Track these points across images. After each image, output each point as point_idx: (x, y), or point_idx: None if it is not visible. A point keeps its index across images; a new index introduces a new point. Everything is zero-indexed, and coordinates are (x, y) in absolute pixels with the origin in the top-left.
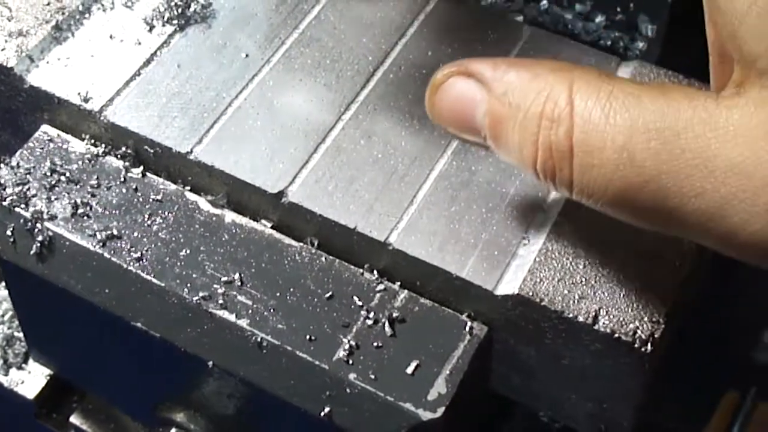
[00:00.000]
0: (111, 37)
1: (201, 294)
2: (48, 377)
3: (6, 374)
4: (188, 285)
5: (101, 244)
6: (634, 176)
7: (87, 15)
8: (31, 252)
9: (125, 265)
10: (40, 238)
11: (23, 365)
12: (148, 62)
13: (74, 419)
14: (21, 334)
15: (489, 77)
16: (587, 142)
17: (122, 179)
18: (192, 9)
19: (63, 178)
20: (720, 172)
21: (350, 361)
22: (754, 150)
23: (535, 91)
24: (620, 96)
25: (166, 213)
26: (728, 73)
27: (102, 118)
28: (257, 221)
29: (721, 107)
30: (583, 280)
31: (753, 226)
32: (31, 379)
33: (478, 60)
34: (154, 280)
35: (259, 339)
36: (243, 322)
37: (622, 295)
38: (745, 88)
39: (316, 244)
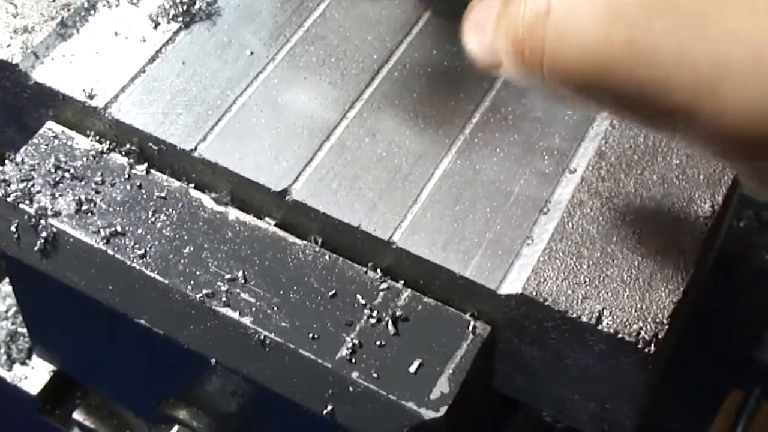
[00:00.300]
0: (116, 34)
1: (204, 291)
2: (51, 373)
3: (9, 370)
4: (192, 282)
5: (105, 240)
6: (620, 37)
7: (92, 12)
8: (35, 248)
9: (129, 262)
10: (44, 234)
11: (27, 361)
12: (152, 59)
13: (77, 415)
14: (24, 330)
15: None
16: (567, 2)
17: (126, 176)
18: (197, 6)
19: (67, 174)
20: (717, 33)
21: (353, 360)
22: (755, 9)
23: None
24: None
25: (170, 210)
26: None
27: (106, 114)
28: (261, 219)
29: None
30: (587, 280)
31: (747, 92)
32: (34, 375)
33: None
34: (158, 277)
35: (262, 337)
36: (246, 320)
37: (625, 296)
38: None
39: (319, 242)
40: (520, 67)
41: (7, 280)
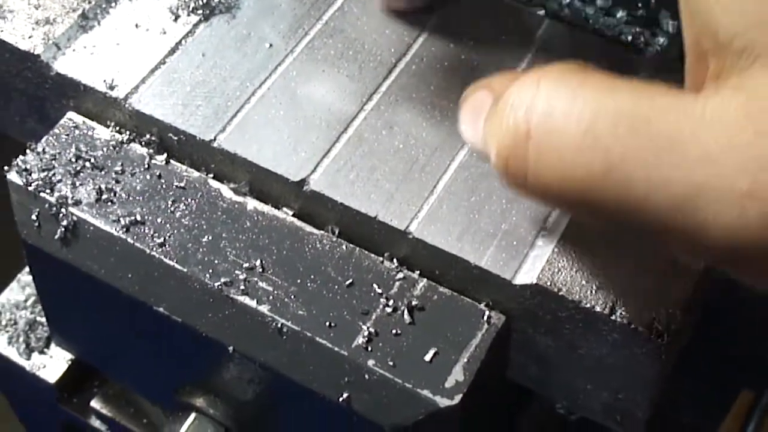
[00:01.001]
0: (137, 26)
1: (223, 280)
2: (69, 362)
3: (28, 358)
4: (210, 271)
5: (125, 229)
6: (597, 162)
7: (113, 4)
8: (56, 236)
9: (148, 251)
10: (64, 222)
11: (45, 350)
12: (173, 51)
13: (95, 403)
14: (43, 319)
15: (497, 86)
16: (547, 123)
17: (146, 166)
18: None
19: (88, 164)
20: (692, 159)
21: (369, 348)
22: (731, 135)
23: (511, 81)
24: (592, 82)
25: (189, 200)
26: (704, 72)
27: (127, 105)
28: (279, 209)
29: (698, 98)
30: (601, 270)
31: (725, 217)
32: (52, 364)
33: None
34: (177, 266)
35: (279, 325)
36: (264, 308)
37: (639, 286)
38: (722, 78)
39: (336, 232)
40: (505, 176)
41: (26, 269)
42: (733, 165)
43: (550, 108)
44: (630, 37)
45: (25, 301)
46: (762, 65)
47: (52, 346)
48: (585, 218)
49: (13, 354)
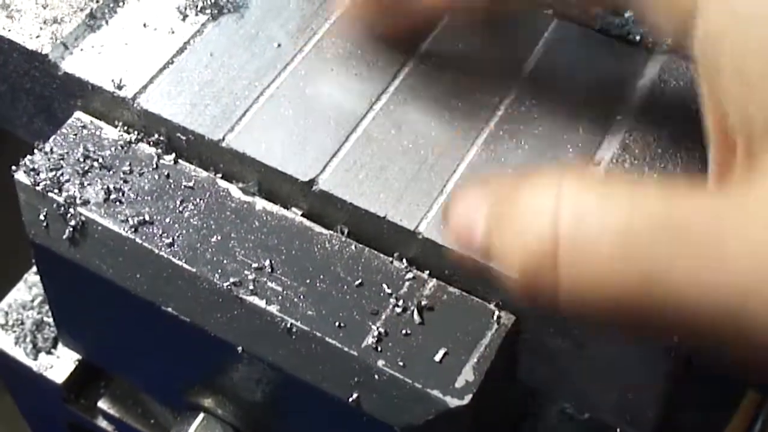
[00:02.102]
0: (144, 25)
1: (231, 280)
2: (76, 362)
3: (35, 359)
4: (219, 271)
5: (133, 229)
6: (637, 271)
7: (121, 3)
8: (64, 236)
9: (157, 251)
10: (72, 222)
11: (52, 350)
12: (181, 51)
13: (102, 404)
14: (50, 319)
15: (493, 187)
16: (576, 231)
17: (154, 166)
18: None
19: (96, 164)
20: (737, 261)
21: (379, 348)
22: None
23: (524, 187)
24: (617, 182)
25: (198, 200)
26: (731, 159)
27: (135, 105)
28: (288, 209)
29: (732, 192)
30: None
31: None
32: (59, 364)
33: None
34: (186, 266)
35: (288, 325)
36: (273, 308)
37: None
38: (755, 164)
39: (346, 232)
40: (528, 292)
41: (33, 269)
42: None
43: (579, 214)
44: (638, 37)
45: (32, 301)
46: None
47: (59, 346)
48: (624, 331)
49: (20, 354)
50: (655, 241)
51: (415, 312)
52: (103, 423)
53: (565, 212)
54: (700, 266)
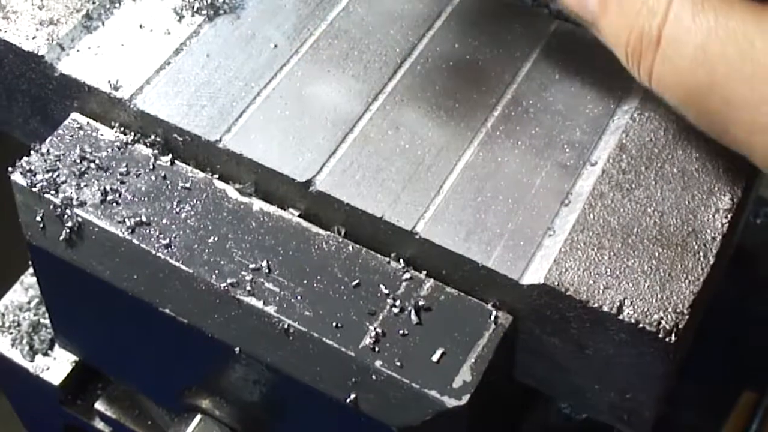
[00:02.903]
0: (141, 26)
1: (229, 281)
2: (73, 364)
3: (32, 360)
4: (216, 272)
5: (130, 230)
6: (704, 76)
7: (117, 4)
8: (60, 238)
9: (154, 252)
10: (69, 224)
11: (49, 352)
12: (177, 52)
13: (99, 405)
14: (47, 321)
15: None
16: (673, 36)
17: (151, 167)
18: (221, 0)
19: (92, 165)
20: None
21: (376, 349)
22: None
23: None
24: (715, 1)
25: (195, 200)
26: None
27: (132, 106)
28: (285, 209)
29: None
30: (608, 270)
31: None
32: (56, 366)
33: None
34: (183, 267)
35: (286, 325)
36: (270, 309)
37: (646, 286)
38: None
39: (343, 232)
40: (631, 67)
41: (29, 271)
42: None
43: (677, 21)
44: None
45: (29, 303)
46: None
47: (56, 348)
48: (695, 122)
49: (16, 356)
50: (724, 55)
51: (413, 312)
52: (99, 425)
53: (669, 21)
54: (753, 82)
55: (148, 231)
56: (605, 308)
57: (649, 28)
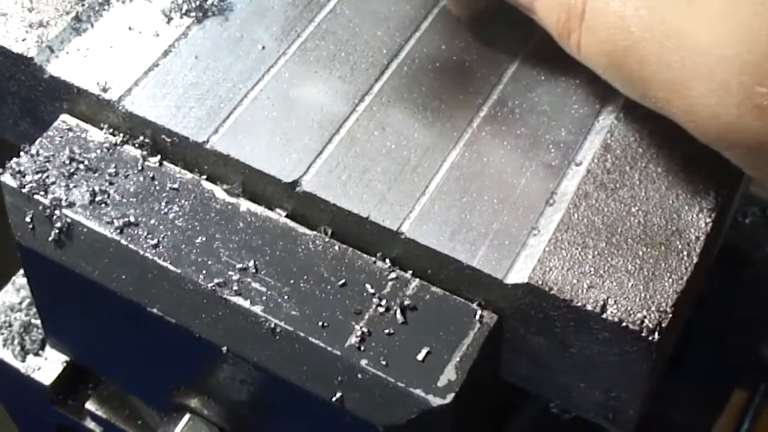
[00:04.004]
0: (130, 28)
1: (216, 280)
2: (64, 364)
3: (23, 360)
4: (204, 272)
5: (119, 231)
6: (621, 41)
7: (106, 6)
8: (50, 238)
9: (142, 252)
10: (58, 224)
11: (40, 352)
12: (166, 53)
13: (90, 405)
14: (38, 321)
15: None
16: (595, 7)
17: (140, 168)
18: (209, 2)
19: (81, 166)
20: (687, 48)
21: (362, 348)
22: (714, 30)
23: None
24: None
25: (183, 201)
26: None
27: (120, 107)
28: (272, 210)
29: None
30: (592, 269)
31: (709, 101)
32: (47, 366)
33: None
34: (171, 267)
35: (272, 325)
36: (257, 309)
37: (630, 285)
38: None
39: (329, 232)
40: (560, 42)
41: (21, 272)
42: (715, 56)
43: None
44: None
45: (20, 303)
46: None
47: (47, 348)
48: (622, 89)
49: (8, 356)
50: (638, 19)
51: (398, 311)
52: (90, 424)
53: None
54: (662, 46)
55: (136, 231)
56: (589, 307)
57: (575, 3)
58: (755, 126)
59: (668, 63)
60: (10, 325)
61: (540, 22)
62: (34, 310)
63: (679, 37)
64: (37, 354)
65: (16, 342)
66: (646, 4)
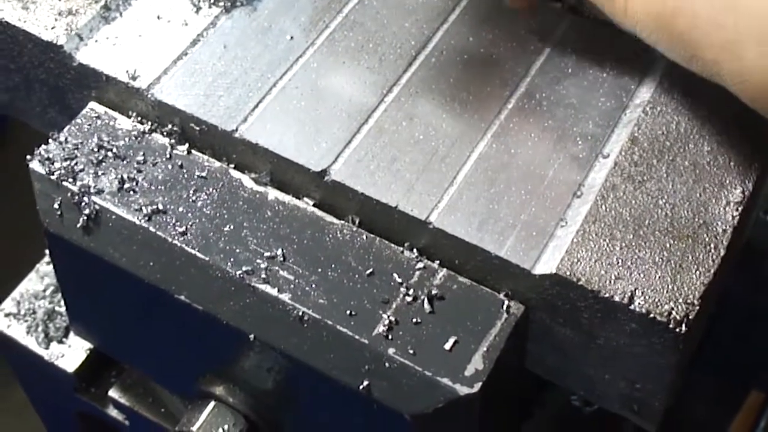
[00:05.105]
0: (158, 17)
1: (244, 268)
2: (87, 351)
3: (47, 348)
4: (231, 259)
5: (147, 218)
6: (672, 2)
7: None
8: (78, 225)
9: (170, 239)
10: (86, 211)
11: (64, 339)
12: (194, 43)
13: (113, 393)
14: (62, 309)
15: None
16: None
17: (168, 156)
18: None
19: (110, 153)
20: (743, 9)
21: (389, 336)
22: None
23: None
24: None
25: (211, 189)
26: None
27: (149, 95)
28: (300, 199)
29: None
30: (620, 261)
31: (761, 63)
32: (71, 353)
33: None
34: (199, 254)
35: (300, 313)
36: (285, 297)
37: (657, 277)
38: None
39: (357, 221)
40: (610, 8)
41: (45, 260)
42: None
43: None
44: None
45: (44, 291)
46: None
47: (71, 335)
48: (666, 51)
49: (31, 343)
50: None
51: (426, 301)
52: (113, 412)
53: None
54: (714, 6)
55: (164, 219)
56: (616, 298)
57: None
58: None
59: (720, 23)
60: (34, 313)
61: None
62: (58, 297)
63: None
64: (60, 341)
65: (39, 329)
66: None
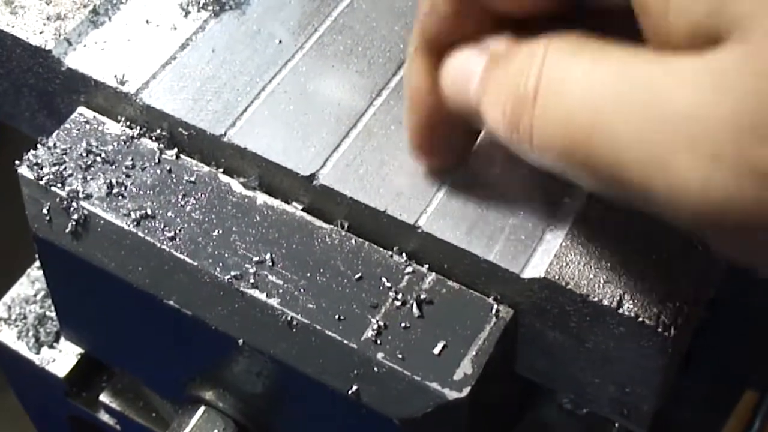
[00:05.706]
0: (147, 21)
1: (233, 273)
2: (79, 356)
3: (38, 353)
4: (220, 264)
5: (135, 223)
6: (585, 118)
7: (124, 0)
8: (67, 230)
9: (159, 244)
10: (75, 216)
11: (54, 344)
12: (183, 47)
13: (104, 397)
14: (53, 314)
15: (488, 45)
16: (550, 87)
17: (157, 160)
18: None
19: (99, 158)
20: (669, 117)
21: (378, 341)
22: (701, 98)
23: (517, 49)
24: (589, 50)
25: (200, 194)
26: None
27: (138, 100)
28: (288, 203)
29: (674, 59)
30: (609, 264)
31: (692, 180)
32: (62, 358)
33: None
34: (187, 259)
35: (289, 318)
36: (273, 301)
37: (647, 280)
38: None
39: (346, 226)
40: (510, 136)
41: (36, 264)
42: (701, 128)
43: (553, 75)
44: None
45: (35, 295)
46: (734, 41)
47: (62, 340)
48: (582, 181)
49: (22, 348)
50: (603, 97)
51: (415, 305)
52: (104, 417)
53: (545, 72)
54: (636, 121)
55: (153, 224)
56: (605, 302)
57: (525, 89)
58: (758, 197)
59: (644, 137)
60: (25, 318)
61: (487, 124)
62: (49, 302)
63: (656, 104)
64: (51, 346)
65: (30, 334)
66: (613, 71)
